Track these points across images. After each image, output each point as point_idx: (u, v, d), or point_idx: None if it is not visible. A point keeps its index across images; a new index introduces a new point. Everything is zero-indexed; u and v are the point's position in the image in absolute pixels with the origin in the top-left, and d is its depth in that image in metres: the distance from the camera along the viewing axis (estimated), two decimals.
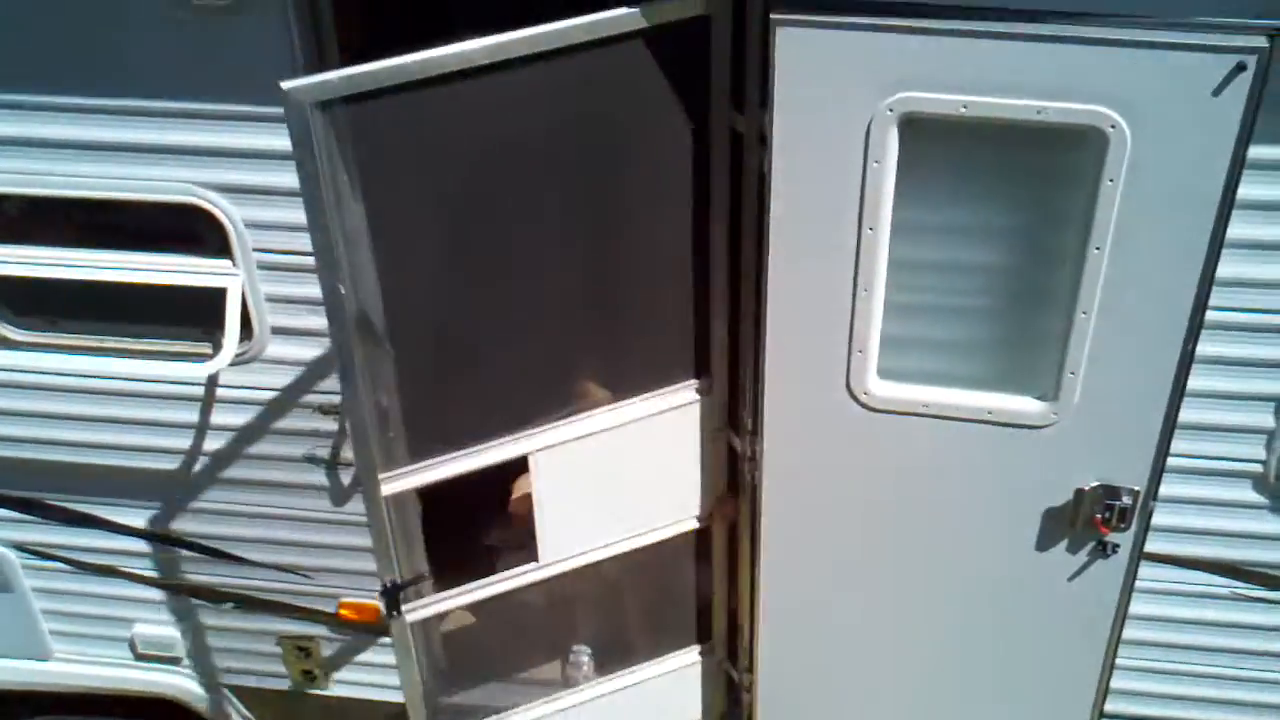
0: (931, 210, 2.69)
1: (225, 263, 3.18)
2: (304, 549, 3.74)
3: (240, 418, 3.48)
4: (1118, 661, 3.18)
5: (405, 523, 3.37)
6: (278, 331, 3.30)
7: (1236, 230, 2.56)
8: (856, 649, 3.36)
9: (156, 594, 3.93)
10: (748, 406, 3.14)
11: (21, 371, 3.47)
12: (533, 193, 2.87)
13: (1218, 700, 3.43)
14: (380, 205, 2.78)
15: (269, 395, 3.43)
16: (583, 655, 3.85)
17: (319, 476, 3.56)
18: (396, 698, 3.93)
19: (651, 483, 3.35)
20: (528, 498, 3.28)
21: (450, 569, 3.45)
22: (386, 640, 3.82)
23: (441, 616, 3.57)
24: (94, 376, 3.44)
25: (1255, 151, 2.44)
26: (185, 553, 3.81)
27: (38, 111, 3.02)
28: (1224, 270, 2.59)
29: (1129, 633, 3.15)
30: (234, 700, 4.16)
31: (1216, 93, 2.37)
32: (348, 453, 3.46)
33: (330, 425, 3.44)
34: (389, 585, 3.20)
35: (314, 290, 3.11)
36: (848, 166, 2.61)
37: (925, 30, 2.42)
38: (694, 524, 3.45)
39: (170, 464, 3.61)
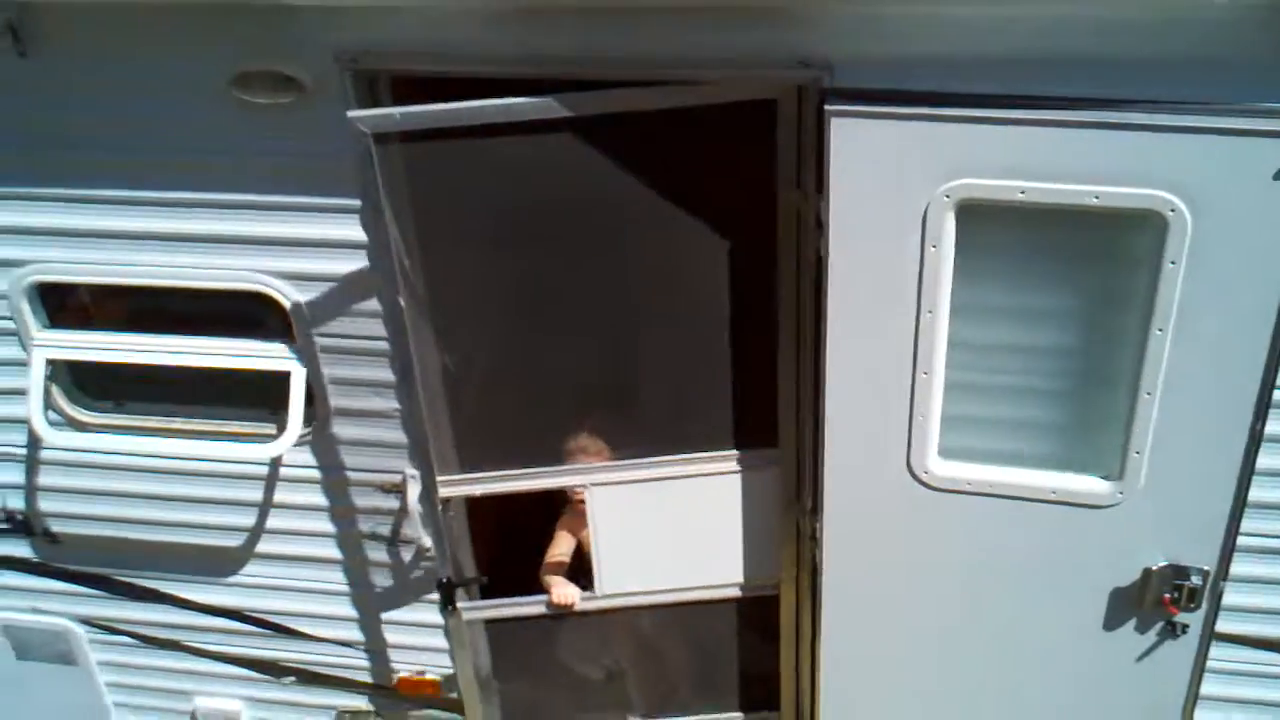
0: (990, 292, 2.69)
1: (290, 347, 3.24)
2: (364, 624, 3.76)
3: (303, 496, 3.53)
4: None
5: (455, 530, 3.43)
6: (340, 413, 3.33)
7: None
8: None
9: (218, 667, 3.97)
10: (808, 485, 3.13)
11: (91, 452, 3.51)
12: (599, 248, 2.99)
13: None
14: (454, 252, 3.00)
15: (332, 474, 3.46)
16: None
17: (379, 553, 3.59)
18: None
19: (717, 541, 3.38)
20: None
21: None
22: (443, 714, 3.84)
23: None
24: (161, 457, 3.49)
25: None
26: (247, 627, 3.84)
27: (106, 205, 3.10)
28: None
29: (1200, 715, 3.09)
30: None
31: (1278, 176, 2.35)
32: (408, 530, 3.48)
33: (391, 503, 3.47)
34: (444, 581, 3.35)
35: (375, 372, 3.19)
36: (905, 250, 2.62)
37: (980, 119, 2.43)
38: (758, 591, 3.45)
39: (234, 541, 3.66)
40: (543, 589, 3.51)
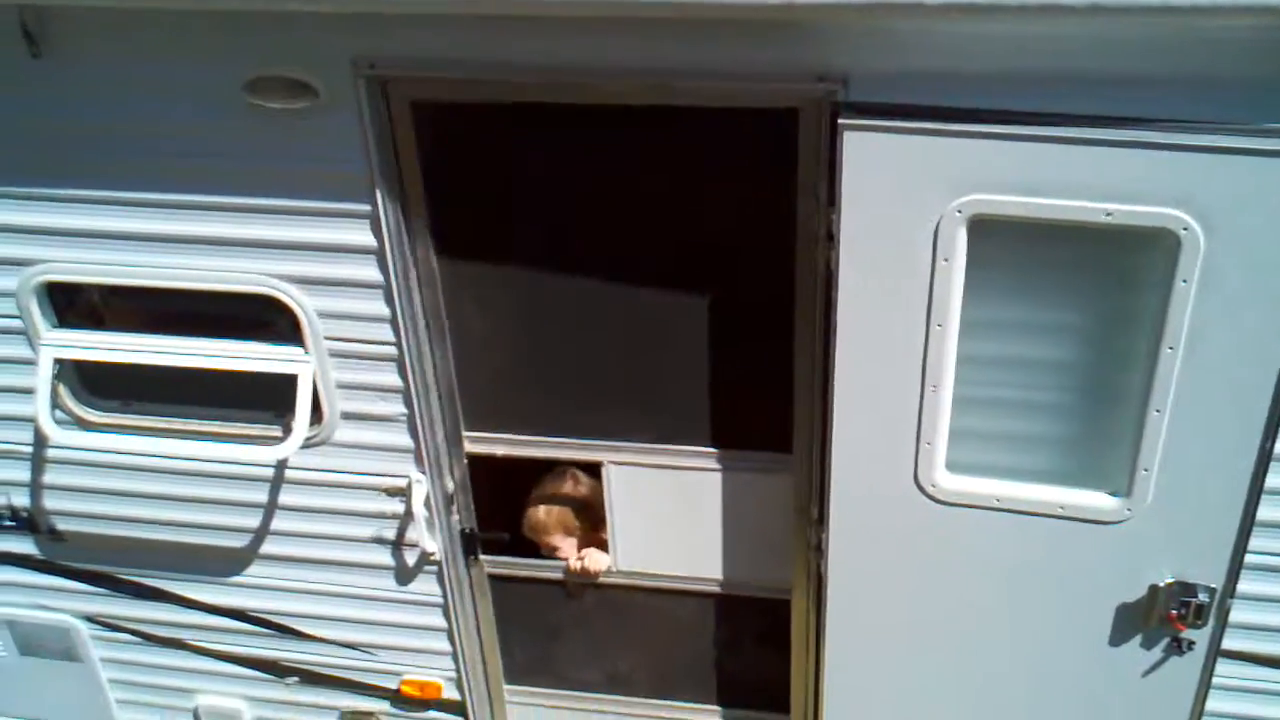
0: (1000, 308, 2.69)
1: (297, 350, 3.23)
2: (368, 626, 3.76)
3: (308, 498, 3.52)
4: None
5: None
6: (347, 416, 3.33)
7: None
8: None
9: (221, 666, 3.97)
10: (814, 496, 3.13)
11: (97, 451, 3.52)
12: (624, 240, 3.07)
13: None
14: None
15: (337, 477, 3.46)
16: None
17: (385, 556, 3.59)
18: None
19: (731, 539, 3.43)
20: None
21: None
22: (446, 717, 3.87)
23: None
24: (166, 457, 3.49)
25: None
26: (251, 627, 3.84)
27: (116, 206, 3.10)
28: None
29: None
30: None
31: None
32: (412, 534, 3.49)
33: (396, 506, 3.47)
34: (467, 531, 3.53)
35: (380, 377, 3.21)
36: (916, 265, 2.62)
37: (994, 135, 2.43)
38: (770, 594, 3.50)
39: (239, 542, 3.65)
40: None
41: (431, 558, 3.55)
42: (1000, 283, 2.65)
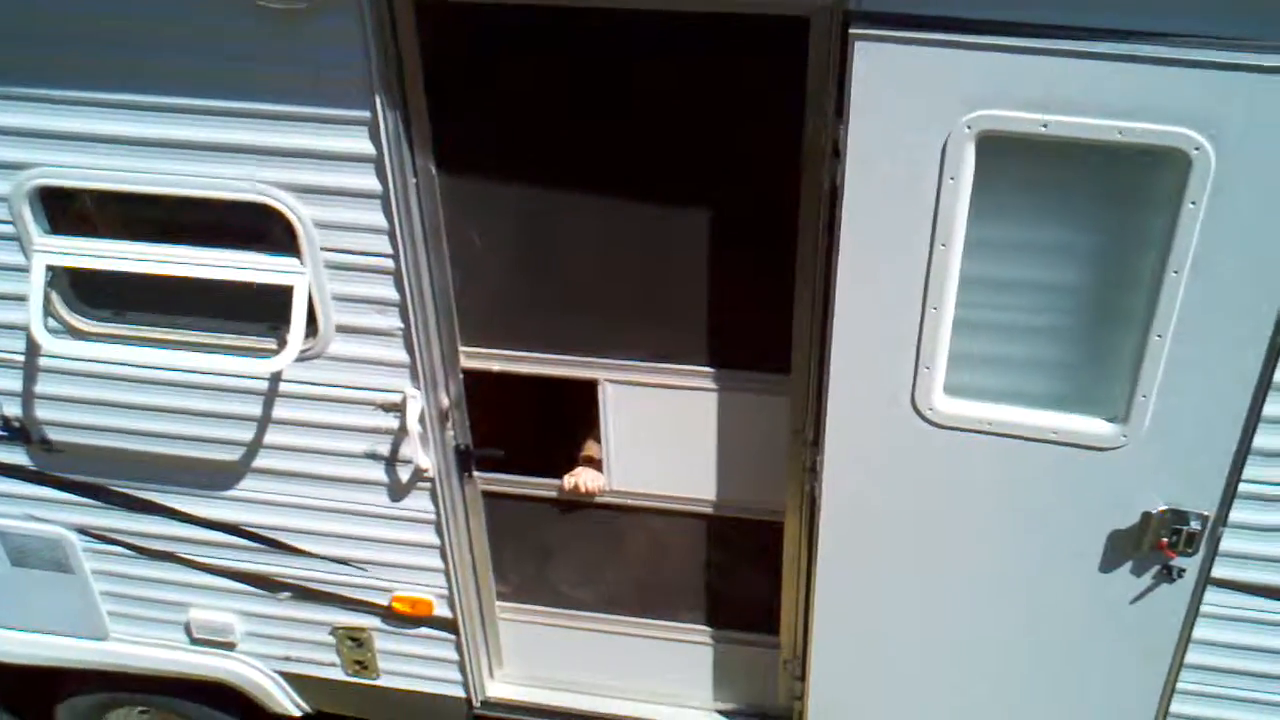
0: (1006, 228, 2.66)
1: (293, 261, 3.19)
2: (360, 542, 3.76)
3: (302, 412, 3.51)
4: (1178, 686, 3.14)
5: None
6: (342, 329, 3.31)
7: None
8: (911, 667, 3.33)
9: (213, 580, 3.97)
10: (810, 416, 3.12)
11: (88, 361, 3.49)
12: (623, 150, 3.05)
13: None
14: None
15: (332, 391, 3.44)
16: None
17: (378, 472, 3.59)
18: (446, 690, 4.02)
19: (726, 460, 3.45)
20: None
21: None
22: (437, 633, 3.88)
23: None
24: (159, 368, 3.47)
25: None
26: (243, 541, 3.84)
27: (111, 109, 3.05)
28: None
29: (1191, 657, 3.11)
30: (286, 686, 4.19)
31: None
32: (406, 450, 3.48)
33: (391, 422, 3.46)
34: (462, 448, 3.54)
35: (378, 289, 3.18)
36: (922, 182, 2.59)
37: (1006, 48, 2.39)
38: (763, 516, 3.52)
39: (231, 455, 3.64)
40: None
41: (425, 474, 3.53)
42: (1006, 202, 2.62)
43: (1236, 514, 2.88)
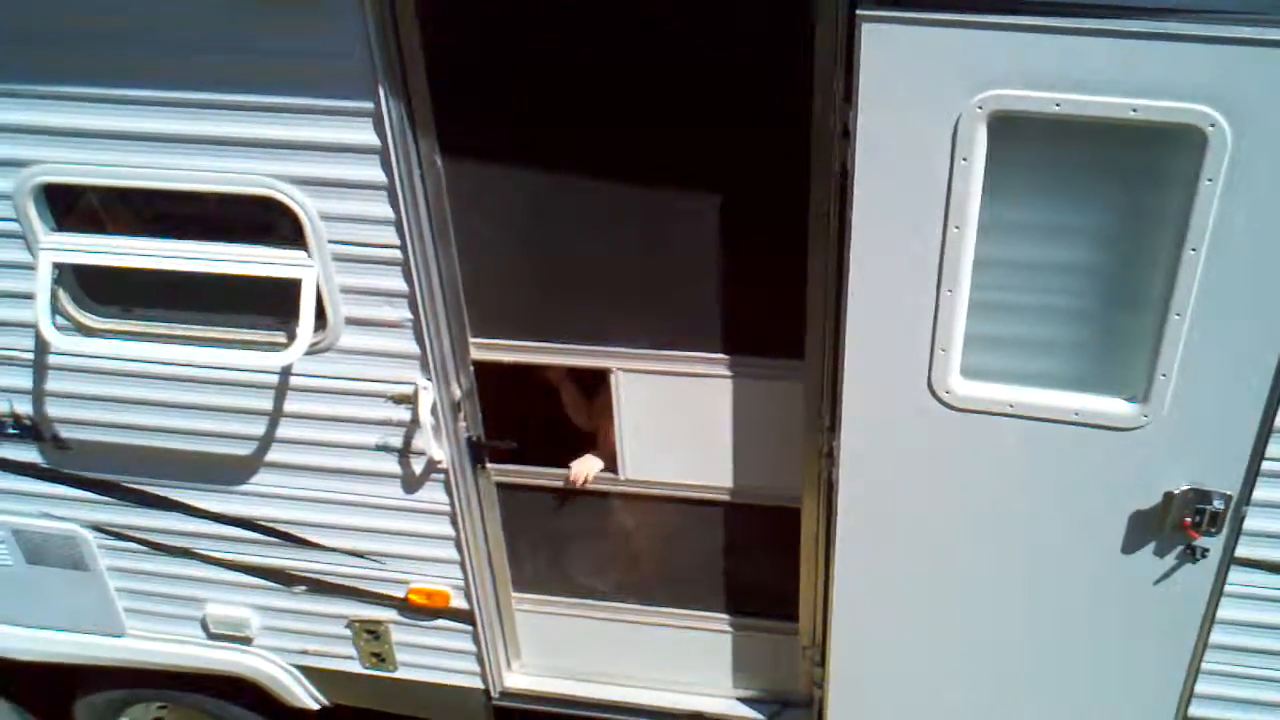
0: (1020, 209, 2.61)
1: (300, 254, 3.17)
2: (375, 535, 3.75)
3: (313, 406, 3.49)
4: (1203, 666, 3.11)
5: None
6: (351, 322, 3.29)
7: None
8: (932, 652, 3.31)
9: (229, 575, 3.96)
10: (826, 402, 3.09)
11: (97, 357, 3.48)
12: (632, 133, 3.00)
13: None
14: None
15: (342, 384, 3.42)
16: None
17: (391, 464, 3.57)
18: (464, 681, 4.02)
19: (741, 447, 3.41)
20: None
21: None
22: (454, 625, 3.87)
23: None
24: (169, 364, 3.45)
25: None
26: (258, 536, 3.83)
27: (114, 104, 3.02)
28: None
29: (1215, 637, 3.08)
30: (304, 680, 4.18)
31: None
32: (418, 441, 3.46)
33: (403, 414, 3.44)
34: (474, 439, 3.52)
35: (386, 281, 3.17)
36: (934, 164, 2.54)
37: (1016, 27, 2.34)
38: (780, 502, 3.48)
39: (244, 450, 3.63)
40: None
41: (439, 466, 3.51)
42: (1020, 183, 2.57)
43: (1261, 492, 2.83)
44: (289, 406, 3.51)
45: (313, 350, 3.31)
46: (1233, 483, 2.78)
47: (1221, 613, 3.03)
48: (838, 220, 2.77)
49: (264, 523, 3.80)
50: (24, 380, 3.60)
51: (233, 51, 2.86)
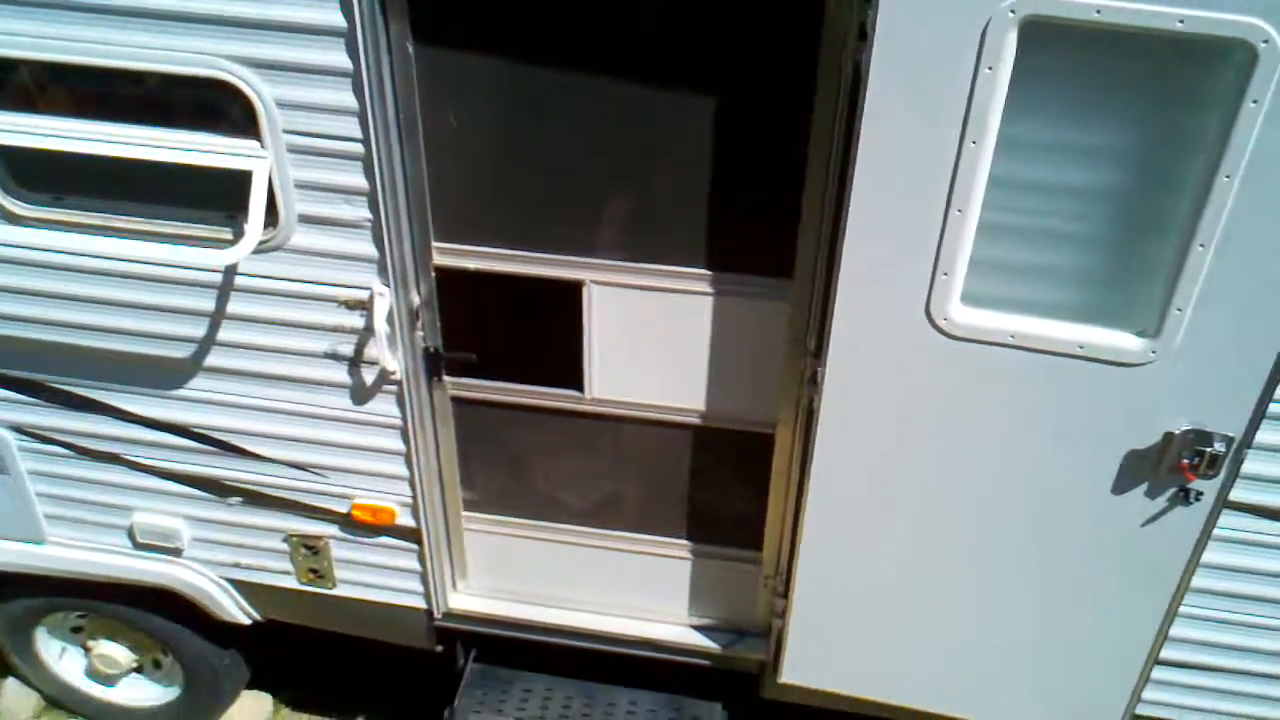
0: (1043, 125, 2.46)
1: (252, 143, 2.93)
2: (319, 447, 3.56)
3: (259, 308, 3.27)
4: (1180, 610, 3.04)
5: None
6: (305, 220, 3.06)
7: None
8: (903, 587, 3.20)
9: (159, 484, 3.76)
10: (813, 325, 2.94)
11: (25, 248, 3.22)
12: (613, 17, 2.79)
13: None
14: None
15: (292, 286, 3.21)
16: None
17: (340, 373, 3.37)
18: (406, 600, 3.89)
19: (717, 369, 3.27)
20: None
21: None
22: (399, 543, 3.71)
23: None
24: (103, 258, 3.20)
25: None
26: (192, 444, 3.63)
27: None
28: None
29: (1196, 581, 3.02)
30: (235, 594, 4.01)
31: None
32: (371, 350, 3.26)
33: (355, 321, 3.23)
34: (431, 350, 3.36)
35: (346, 177, 2.95)
36: (957, 71, 2.37)
37: None
38: (754, 428, 3.36)
39: (182, 352, 3.41)
40: None
41: (392, 377, 3.32)
42: (1046, 97, 2.41)
43: (1261, 435, 2.74)
44: (232, 308, 3.29)
45: (261, 249, 3.08)
46: (1236, 425, 2.69)
47: (1206, 556, 2.96)
48: (844, 127, 2.59)
49: (199, 430, 3.60)
50: None
51: None
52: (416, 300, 3.23)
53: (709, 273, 3.08)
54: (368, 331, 3.24)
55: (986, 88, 2.37)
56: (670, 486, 3.60)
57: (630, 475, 3.62)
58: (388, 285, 3.14)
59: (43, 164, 3.06)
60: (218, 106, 2.92)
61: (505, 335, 3.43)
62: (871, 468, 3.01)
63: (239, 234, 3.02)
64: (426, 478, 3.57)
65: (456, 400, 3.51)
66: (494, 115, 2.98)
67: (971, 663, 3.29)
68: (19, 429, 3.69)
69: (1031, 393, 2.76)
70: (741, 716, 3.99)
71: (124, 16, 2.77)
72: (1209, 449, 2.70)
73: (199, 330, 3.34)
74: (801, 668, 3.47)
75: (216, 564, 3.94)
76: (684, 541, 3.71)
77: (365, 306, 3.20)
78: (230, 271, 3.20)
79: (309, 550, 3.83)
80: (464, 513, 3.78)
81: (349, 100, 2.84)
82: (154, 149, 2.94)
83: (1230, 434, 2.69)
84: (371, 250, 3.10)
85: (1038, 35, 2.31)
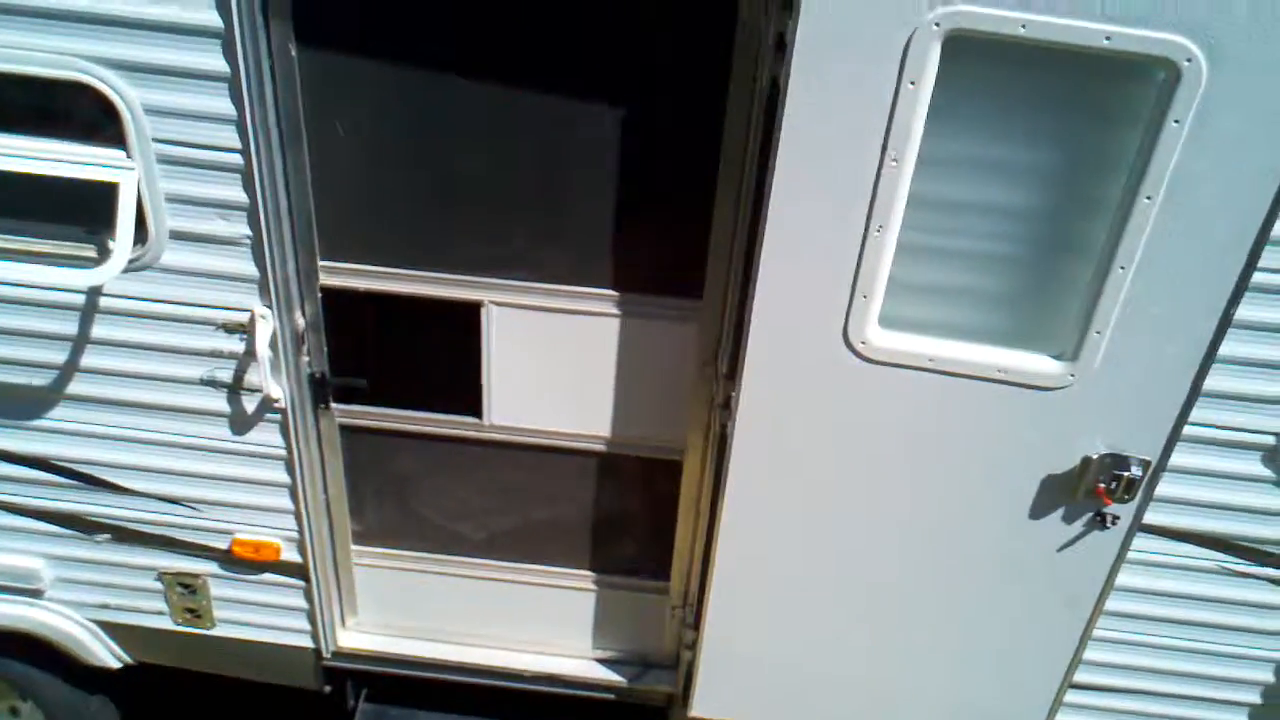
0: (963, 142, 2.39)
1: (118, 153, 2.73)
2: (196, 480, 3.35)
3: (128, 332, 3.06)
4: (1094, 633, 3.01)
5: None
6: (178, 236, 2.85)
7: None
8: (819, 617, 3.11)
9: (16, 521, 3.50)
10: (726, 347, 2.83)
11: None
12: (513, 25, 2.67)
13: (1194, 675, 3.29)
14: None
15: (164, 308, 3.00)
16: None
17: (218, 401, 3.17)
18: (292, 640, 3.68)
19: (623, 393, 3.16)
20: None
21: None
22: (284, 579, 3.52)
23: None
24: None
25: None
26: (54, 478, 3.38)
27: None
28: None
29: (1110, 604, 2.98)
30: (104, 637, 3.75)
31: None
32: (253, 376, 3.07)
33: (235, 345, 3.03)
34: (318, 376, 3.20)
35: (221, 190, 2.78)
36: (878, 86, 2.28)
37: None
38: (660, 454, 3.26)
39: (41, 380, 3.17)
40: None
41: (275, 405, 3.14)
42: (969, 114, 2.34)
43: (1175, 458, 2.71)
44: (98, 332, 3.07)
45: (130, 268, 2.88)
46: (1153, 449, 2.66)
47: (1121, 579, 2.93)
48: (758, 143, 2.48)
49: (62, 463, 3.36)
50: None
51: None
52: (301, 323, 3.05)
53: (615, 293, 2.96)
54: (248, 356, 3.06)
55: (908, 102, 2.28)
56: (574, 516, 3.46)
57: (532, 505, 3.48)
58: (270, 307, 2.96)
59: None
60: (79, 112, 2.71)
61: (398, 359, 3.25)
62: (786, 494, 2.91)
63: (104, 252, 2.83)
64: (313, 511, 3.38)
65: (345, 429, 3.32)
66: (385, 124, 2.82)
67: (887, 690, 3.21)
68: None
69: (950, 417, 2.69)
70: None
71: None
72: (1125, 473, 2.67)
73: (61, 356, 3.11)
74: (712, 700, 3.35)
75: (82, 605, 3.68)
76: (588, 572, 3.58)
77: (246, 329, 3.01)
78: (96, 292, 2.99)
79: (185, 589, 3.60)
80: (354, 546, 3.60)
81: (226, 107, 2.67)
82: (8, 158, 2.72)
83: (1146, 457, 2.66)
84: (252, 269, 2.91)
85: (962, 50, 2.24)
